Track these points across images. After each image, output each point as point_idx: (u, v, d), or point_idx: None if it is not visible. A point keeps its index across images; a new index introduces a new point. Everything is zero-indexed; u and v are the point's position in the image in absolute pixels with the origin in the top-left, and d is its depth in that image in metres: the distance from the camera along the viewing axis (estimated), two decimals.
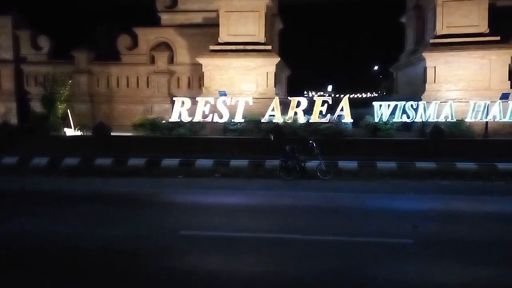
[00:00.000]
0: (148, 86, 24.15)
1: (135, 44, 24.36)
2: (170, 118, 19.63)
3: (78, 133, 20.43)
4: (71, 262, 6.08)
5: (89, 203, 10.01)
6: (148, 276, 5.55)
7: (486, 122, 17.86)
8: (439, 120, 17.84)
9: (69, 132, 20.45)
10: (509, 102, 17.95)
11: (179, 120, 19.23)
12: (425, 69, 20.23)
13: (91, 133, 18.85)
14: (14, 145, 18.25)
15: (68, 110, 21.53)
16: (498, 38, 19.38)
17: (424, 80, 20.32)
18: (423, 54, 20.13)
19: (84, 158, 15.67)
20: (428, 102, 18.45)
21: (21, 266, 5.94)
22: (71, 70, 24.25)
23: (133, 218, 8.59)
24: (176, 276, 5.55)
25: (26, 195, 11.11)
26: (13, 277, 5.51)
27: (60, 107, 21.40)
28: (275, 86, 21.16)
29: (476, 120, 17.97)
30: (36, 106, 22.98)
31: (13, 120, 23.54)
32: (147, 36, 24.20)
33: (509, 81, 19.40)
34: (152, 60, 24.06)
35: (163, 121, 19.56)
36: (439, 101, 18.46)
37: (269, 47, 21.33)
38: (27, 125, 20.90)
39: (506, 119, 17.90)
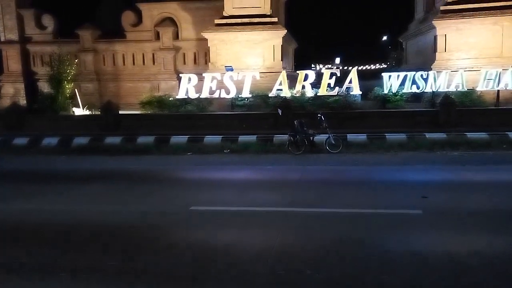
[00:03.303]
0: (154, 63, 24.01)
1: (139, 20, 24.09)
2: (177, 95, 19.59)
3: (87, 112, 20.54)
4: (86, 238, 6.20)
5: (101, 181, 10.13)
6: (159, 250, 5.65)
7: (498, 90, 17.50)
8: (449, 89, 17.54)
9: (78, 111, 20.56)
10: None
11: (186, 97, 19.19)
12: (435, 37, 19.76)
13: (99, 112, 18.92)
14: (24, 125, 18.43)
15: (76, 90, 21.57)
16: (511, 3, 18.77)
17: (434, 49, 19.87)
18: (433, 22, 19.61)
19: (93, 137, 15.80)
20: (439, 72, 18.10)
21: (39, 240, 6.07)
22: (77, 49, 24.16)
23: (144, 195, 8.69)
24: (188, 250, 5.63)
25: (39, 174, 11.27)
26: (34, 250, 5.64)
27: (68, 86, 21.43)
28: (282, 60, 20.89)
29: (488, 88, 17.63)
30: (44, 87, 23.03)
31: (22, 101, 23.69)
32: (151, 12, 23.87)
33: None
34: (157, 36, 23.82)
35: (170, 98, 19.54)
36: (449, 70, 18.09)
37: (275, 20, 20.94)
38: (36, 105, 21.02)
39: None
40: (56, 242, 6.11)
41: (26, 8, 24.96)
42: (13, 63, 25.04)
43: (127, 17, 24.04)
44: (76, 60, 22.95)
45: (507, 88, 17.54)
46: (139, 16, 24.09)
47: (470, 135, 13.76)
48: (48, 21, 25.05)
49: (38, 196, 8.72)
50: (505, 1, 18.77)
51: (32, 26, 25.08)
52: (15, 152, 14.84)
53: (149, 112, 19.11)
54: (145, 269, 5.08)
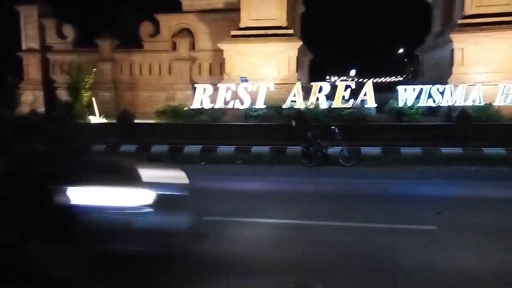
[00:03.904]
0: (170, 73, 24.30)
1: (157, 31, 24.46)
2: (192, 105, 19.75)
3: (103, 120, 20.83)
4: None
5: None
6: (172, 259, 5.64)
7: None
8: (466, 104, 17.31)
9: (94, 119, 20.87)
10: None
11: (201, 107, 19.34)
12: (452, 51, 19.57)
13: (115, 121, 19.17)
14: None
15: (93, 98, 21.93)
16: None
17: (451, 63, 19.67)
18: (450, 35, 19.46)
19: (109, 145, 15.99)
20: (455, 86, 17.90)
21: None
22: (95, 58, 24.61)
23: None
24: (198, 260, 5.61)
25: None
26: None
27: (85, 95, 21.81)
28: (296, 71, 20.93)
29: (506, 103, 17.37)
30: (62, 95, 23.49)
31: (41, 108, 24.17)
32: (169, 23, 24.24)
33: None
34: (174, 47, 24.13)
35: (185, 108, 19.71)
36: (466, 85, 17.88)
37: (291, 31, 21.05)
38: (54, 113, 21.43)
39: None
40: None
41: (48, 18, 25.61)
42: (33, 71, 25.62)
43: (145, 28, 24.45)
44: (94, 69, 23.37)
45: None
46: (157, 26, 24.48)
47: (487, 150, 13.52)
48: (68, 30, 25.65)
49: None
50: None
51: (53, 35, 25.69)
52: None
53: (164, 121, 19.29)
54: (153, 278, 5.06)
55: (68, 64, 23.98)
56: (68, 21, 25.75)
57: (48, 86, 25.52)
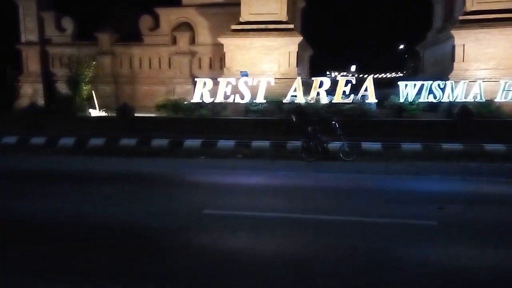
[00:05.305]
0: (170, 67, 24.23)
1: (156, 24, 24.37)
2: (192, 99, 19.72)
3: (103, 114, 20.80)
4: (99, 238, 6.23)
5: (116, 182, 10.20)
6: (170, 252, 5.65)
7: None
8: (467, 100, 17.29)
9: (94, 113, 20.84)
10: None
11: (201, 101, 19.31)
12: (453, 47, 19.52)
13: (115, 114, 19.14)
14: (41, 126, 18.73)
15: (93, 91, 21.88)
16: None
17: (452, 59, 19.62)
18: (451, 31, 19.39)
19: (109, 138, 15.96)
20: (456, 82, 17.87)
21: (51, 242, 6.13)
22: (95, 51, 24.52)
23: (157, 197, 8.72)
24: (199, 253, 5.61)
25: (55, 174, 11.40)
26: (38, 250, 5.69)
27: (85, 88, 21.78)
28: (297, 66, 20.88)
29: (507, 100, 17.34)
30: (62, 88, 23.43)
31: (40, 101, 24.10)
32: (168, 16, 24.14)
33: None
34: (174, 41, 24.05)
35: (185, 102, 19.70)
36: (467, 81, 17.85)
37: (291, 26, 20.96)
38: (53, 106, 21.38)
39: None
40: (63, 242, 6.14)
41: (47, 10, 25.49)
42: (33, 64, 25.53)
43: (145, 22, 24.35)
44: (94, 63, 23.31)
45: None
46: (156, 20, 24.37)
47: (487, 146, 13.52)
48: (67, 23, 25.53)
49: (49, 196, 8.81)
50: None
51: (52, 28, 25.58)
52: (32, 151, 15.07)
53: (164, 115, 19.26)
54: (154, 271, 5.06)
55: (67, 57, 23.90)
56: (67, 14, 25.62)
57: (48, 79, 25.44)
